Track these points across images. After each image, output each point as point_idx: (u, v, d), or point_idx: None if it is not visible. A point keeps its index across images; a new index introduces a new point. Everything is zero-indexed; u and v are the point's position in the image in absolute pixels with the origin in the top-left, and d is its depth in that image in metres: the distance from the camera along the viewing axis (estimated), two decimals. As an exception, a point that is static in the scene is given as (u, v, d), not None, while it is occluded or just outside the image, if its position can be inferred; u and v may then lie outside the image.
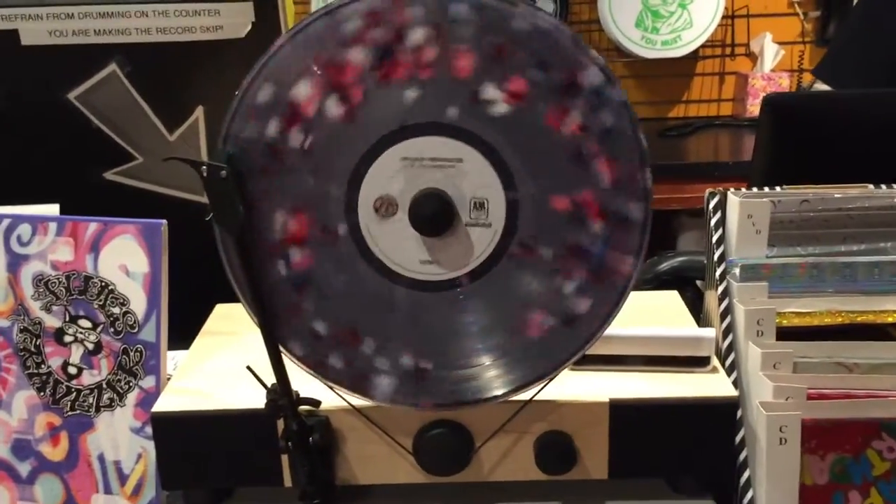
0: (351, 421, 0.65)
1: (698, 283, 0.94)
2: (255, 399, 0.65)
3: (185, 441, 0.66)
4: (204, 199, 0.89)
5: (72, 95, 0.82)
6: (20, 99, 0.82)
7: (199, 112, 0.84)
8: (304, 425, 0.62)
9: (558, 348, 0.59)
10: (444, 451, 0.64)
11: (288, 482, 0.66)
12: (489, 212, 0.58)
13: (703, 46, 2.22)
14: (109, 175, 0.86)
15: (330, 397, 0.64)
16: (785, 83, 2.21)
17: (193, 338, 0.78)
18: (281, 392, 0.61)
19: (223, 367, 0.72)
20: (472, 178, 0.58)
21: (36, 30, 0.79)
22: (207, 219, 0.58)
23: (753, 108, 2.23)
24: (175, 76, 0.82)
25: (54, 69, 0.81)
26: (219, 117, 0.86)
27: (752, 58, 2.28)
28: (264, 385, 0.65)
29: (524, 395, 0.63)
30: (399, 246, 0.59)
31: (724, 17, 2.20)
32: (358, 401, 0.63)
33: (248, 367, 0.66)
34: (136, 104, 0.83)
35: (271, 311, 0.60)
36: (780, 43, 2.23)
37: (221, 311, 0.82)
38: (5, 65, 0.80)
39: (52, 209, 0.81)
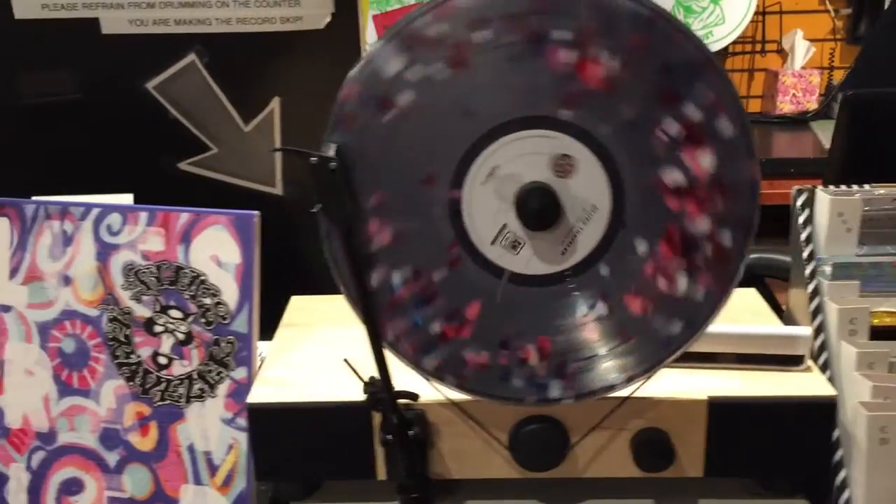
0: (447, 415, 0.65)
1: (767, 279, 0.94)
2: (349, 391, 0.65)
3: (279, 432, 0.66)
4: (276, 191, 0.90)
5: (150, 85, 0.81)
6: (98, 88, 0.82)
7: (274, 103, 0.83)
8: (404, 418, 0.62)
9: (665, 340, 0.60)
10: (540, 447, 0.64)
11: (381, 475, 0.67)
12: (595, 206, 0.58)
13: (733, 43, 2.21)
14: (183, 165, 0.85)
15: (426, 391, 0.64)
16: (815, 80, 2.21)
17: (268, 329, 0.78)
18: (382, 386, 0.61)
19: (310, 358, 0.72)
20: (581, 172, 0.58)
21: (116, 19, 0.79)
22: (314, 210, 0.58)
23: (783, 105, 2.22)
24: (253, 67, 0.82)
25: (133, 59, 0.80)
26: (295, 109, 0.87)
27: (783, 55, 2.28)
28: (361, 378, 0.65)
29: (622, 392, 0.63)
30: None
31: (755, 14, 2.19)
32: (456, 395, 0.63)
33: (346, 361, 0.66)
34: (212, 94, 0.82)
35: (375, 306, 0.60)
36: (810, 40, 2.23)
37: (297, 303, 0.82)
38: (85, 53, 0.80)
39: (127, 199, 0.81)
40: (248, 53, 0.81)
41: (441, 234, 0.59)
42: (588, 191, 0.58)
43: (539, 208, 0.58)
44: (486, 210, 0.58)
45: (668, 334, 0.60)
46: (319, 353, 0.74)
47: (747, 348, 0.66)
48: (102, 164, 0.85)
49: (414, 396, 0.63)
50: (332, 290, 0.87)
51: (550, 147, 0.58)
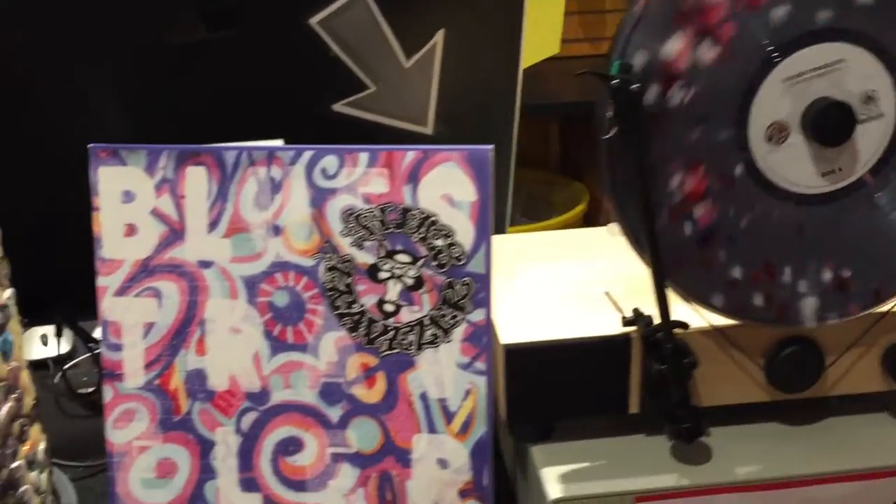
0: (704, 343, 0.64)
1: None
2: (595, 325, 0.64)
3: (536, 372, 0.64)
4: (426, 131, 0.86)
5: (314, 21, 0.76)
6: (257, 25, 0.76)
7: (439, 36, 0.79)
8: (679, 348, 0.61)
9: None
10: (797, 369, 0.64)
11: (633, 409, 0.66)
12: (880, 101, 0.58)
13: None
14: (338, 106, 0.81)
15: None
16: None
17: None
18: (661, 315, 0.60)
19: (528, 296, 0.71)
20: (855, 74, 0.57)
21: (280, -52, 0.74)
22: (606, 137, 0.56)
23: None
24: (420, -2, 0.78)
25: (300, -8, 0.75)
26: (458, 42, 0.83)
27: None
28: (621, 311, 0.64)
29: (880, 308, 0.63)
30: (796, 168, 0.58)
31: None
32: (720, 320, 0.63)
33: (607, 294, 0.65)
34: (377, 28, 0.78)
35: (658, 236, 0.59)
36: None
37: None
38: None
39: (277, 144, 0.77)
40: (418, -18, 0.77)
41: (726, 155, 0.58)
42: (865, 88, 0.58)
43: (833, 124, 0.57)
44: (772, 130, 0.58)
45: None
46: (532, 290, 0.72)
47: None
48: (251, 109, 0.79)
49: (685, 325, 0.62)
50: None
51: (836, 60, 0.57)
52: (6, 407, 0.64)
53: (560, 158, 2.50)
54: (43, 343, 1.01)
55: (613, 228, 0.79)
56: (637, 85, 0.54)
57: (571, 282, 0.72)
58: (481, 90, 0.84)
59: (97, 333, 1.01)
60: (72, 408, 0.93)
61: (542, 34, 0.93)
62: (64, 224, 0.79)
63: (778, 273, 0.60)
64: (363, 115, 0.82)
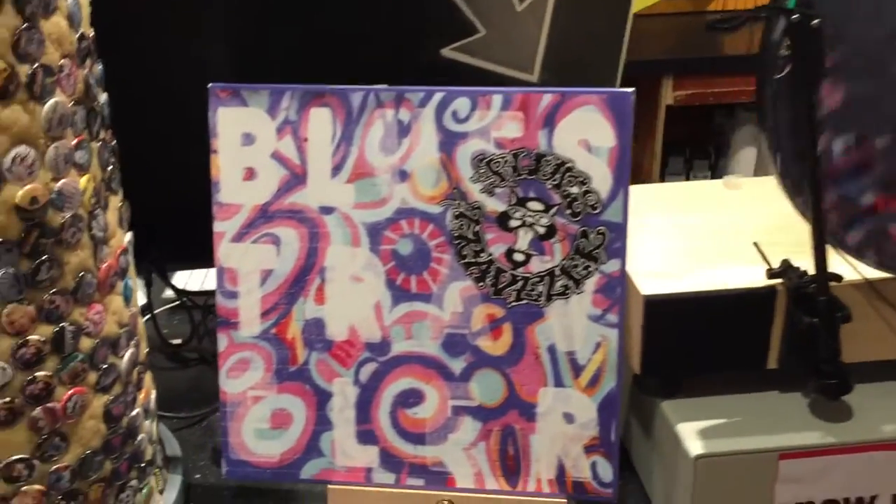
0: (852, 296, 0.62)
1: None
2: (735, 278, 0.62)
3: (676, 325, 0.62)
4: (532, 78, 0.83)
5: (430, -41, 0.73)
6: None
7: (553, -21, 0.77)
8: (833, 301, 0.59)
9: None
10: (945, 324, 0.63)
11: (771, 364, 0.64)
12: None
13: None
14: (446, 51, 0.78)
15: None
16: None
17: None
18: (818, 266, 0.58)
19: (657, 247, 0.68)
20: None
21: None
22: (779, 76, 0.53)
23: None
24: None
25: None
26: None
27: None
28: (768, 262, 0.61)
29: None
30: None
31: None
32: (872, 273, 0.61)
33: (755, 244, 0.62)
34: (493, -31, 0.75)
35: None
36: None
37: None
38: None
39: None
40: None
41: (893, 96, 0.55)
42: None
43: None
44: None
45: None
46: (660, 241, 0.70)
47: None
48: (358, 51, 0.76)
49: (839, 278, 0.60)
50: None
51: None
52: (128, 353, 0.62)
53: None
54: (120, 294, 0.99)
55: (731, 181, 0.76)
56: (818, 20, 0.51)
57: (698, 234, 0.70)
58: (590, 38, 0.81)
59: (178, 283, 0.99)
60: (157, 360, 0.91)
61: (648, -20, 0.90)
62: (163, 170, 0.77)
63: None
64: (470, 60, 0.79)
